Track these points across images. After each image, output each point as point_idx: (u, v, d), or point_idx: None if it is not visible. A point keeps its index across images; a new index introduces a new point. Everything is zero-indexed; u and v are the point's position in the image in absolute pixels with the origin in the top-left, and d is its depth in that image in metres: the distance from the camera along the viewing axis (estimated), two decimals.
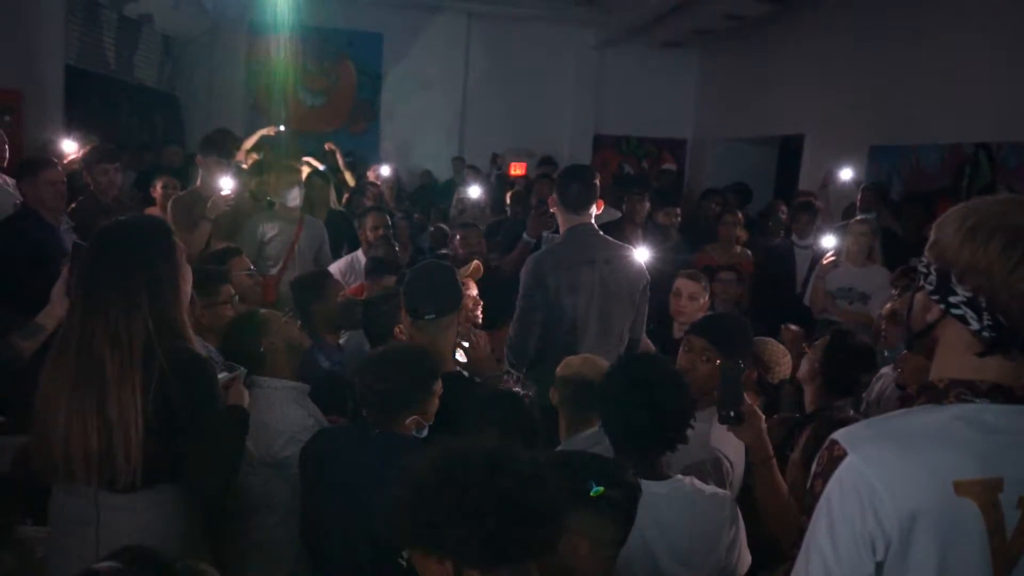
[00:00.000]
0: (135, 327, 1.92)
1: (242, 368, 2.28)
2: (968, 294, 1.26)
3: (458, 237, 4.96)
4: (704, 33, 10.01)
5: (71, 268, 2.18)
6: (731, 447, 2.40)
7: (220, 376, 2.15)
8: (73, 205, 4.51)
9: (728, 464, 2.39)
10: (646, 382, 2.00)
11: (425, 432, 2.21)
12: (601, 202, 3.35)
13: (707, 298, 3.94)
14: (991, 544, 1.24)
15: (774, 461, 2.06)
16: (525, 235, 4.76)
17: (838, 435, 1.28)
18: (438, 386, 2.25)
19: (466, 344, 2.83)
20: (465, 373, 2.72)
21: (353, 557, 2.07)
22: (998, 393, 1.27)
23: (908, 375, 2.94)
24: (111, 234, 2.04)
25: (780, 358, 3.18)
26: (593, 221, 3.31)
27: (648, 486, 1.85)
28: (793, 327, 4.46)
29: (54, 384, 1.95)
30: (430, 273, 2.70)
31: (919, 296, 1.37)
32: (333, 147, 7.59)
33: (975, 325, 1.26)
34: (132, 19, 8.76)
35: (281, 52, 10.08)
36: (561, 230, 3.35)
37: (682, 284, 3.90)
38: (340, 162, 6.79)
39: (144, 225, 2.12)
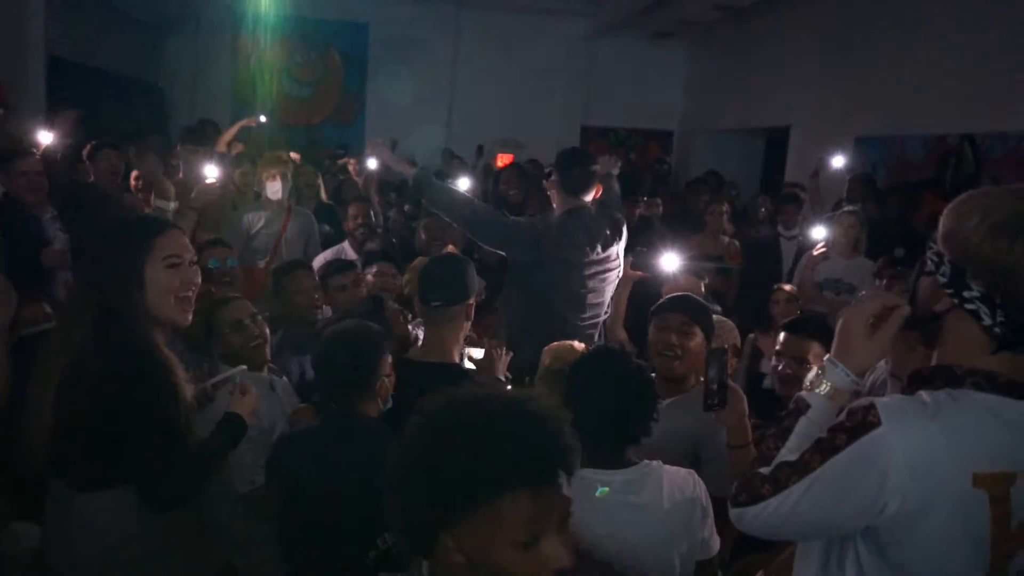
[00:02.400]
0: (86, 310, 1.92)
1: (237, 368, 2.21)
2: (983, 290, 1.26)
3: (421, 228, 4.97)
4: (692, 24, 10.01)
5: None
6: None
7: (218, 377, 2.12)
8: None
9: None
10: (611, 375, 2.01)
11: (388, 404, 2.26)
12: (600, 187, 3.42)
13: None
14: (993, 535, 1.26)
15: (752, 447, 2.06)
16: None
17: (879, 402, 1.28)
18: (385, 365, 2.25)
19: (477, 353, 2.78)
20: (467, 366, 2.71)
21: (335, 550, 2.06)
22: (1014, 388, 1.28)
23: (896, 364, 2.96)
24: (89, 216, 2.07)
25: (727, 331, 3.21)
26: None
27: (610, 475, 1.91)
28: (786, 286, 4.51)
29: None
30: (444, 263, 2.80)
31: (925, 282, 1.37)
32: (349, 162, 7.32)
33: (987, 321, 1.27)
34: (115, 8, 8.67)
35: (266, 42, 10.00)
36: (558, 211, 3.37)
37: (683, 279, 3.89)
38: (352, 170, 6.58)
39: (122, 221, 2.12)
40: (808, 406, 1.37)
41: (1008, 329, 1.26)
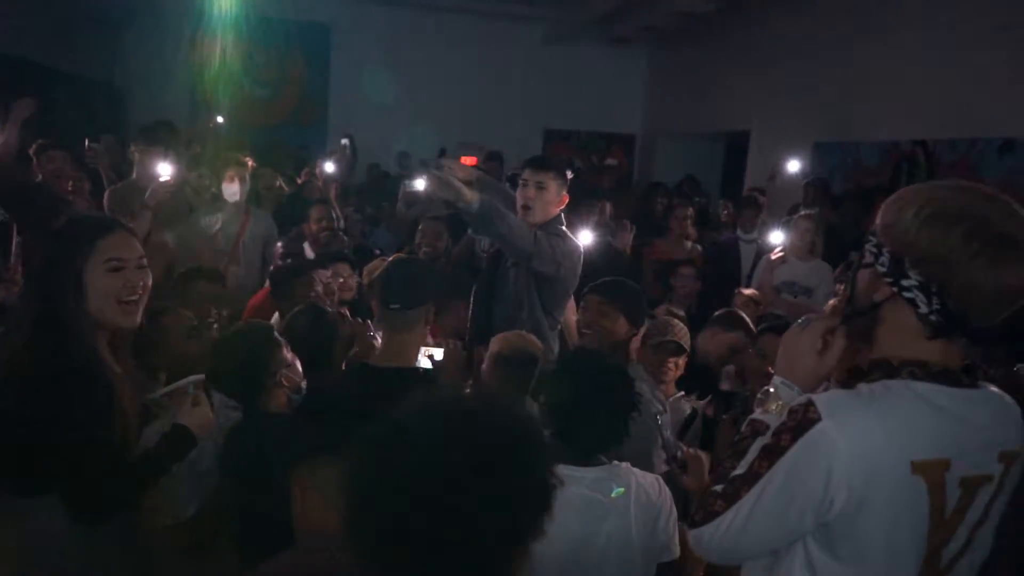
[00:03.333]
0: (27, 315, 1.88)
1: (192, 377, 2.14)
2: (921, 279, 1.30)
3: (420, 230, 4.91)
4: (653, 30, 10.10)
5: None
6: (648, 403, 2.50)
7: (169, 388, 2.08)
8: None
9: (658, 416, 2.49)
10: (591, 377, 2.03)
11: (300, 392, 2.30)
12: (566, 196, 3.41)
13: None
14: (931, 520, 1.30)
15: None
16: (471, 231, 4.79)
17: (816, 398, 1.31)
18: (278, 360, 2.29)
19: (438, 354, 2.74)
20: (424, 369, 2.69)
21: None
22: (947, 376, 1.32)
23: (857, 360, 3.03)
24: (35, 212, 2.02)
25: (684, 338, 3.26)
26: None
27: (583, 472, 1.93)
28: (747, 291, 4.57)
29: None
30: (405, 266, 2.71)
31: (864, 274, 1.40)
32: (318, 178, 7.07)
33: (924, 309, 1.30)
34: (69, 5, 8.49)
35: (226, 42, 9.87)
36: (549, 217, 3.38)
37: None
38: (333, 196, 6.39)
39: (65, 222, 2.02)
40: (765, 426, 1.39)
41: (942, 317, 1.30)
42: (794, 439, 1.29)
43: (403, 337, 2.51)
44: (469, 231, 4.82)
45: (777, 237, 5.12)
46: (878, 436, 1.26)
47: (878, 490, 1.26)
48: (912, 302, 1.31)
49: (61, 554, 1.88)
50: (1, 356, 1.87)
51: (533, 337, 2.92)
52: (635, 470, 2.07)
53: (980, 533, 1.37)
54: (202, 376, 2.22)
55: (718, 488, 1.38)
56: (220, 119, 9.52)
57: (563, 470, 1.86)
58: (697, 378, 3.45)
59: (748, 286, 5.23)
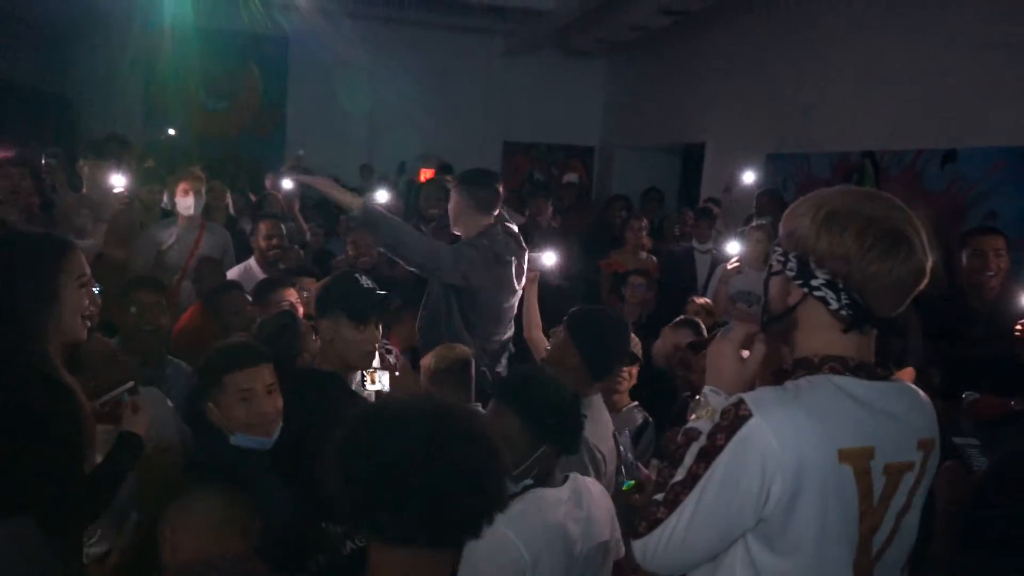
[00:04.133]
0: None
1: (125, 385, 2.14)
2: (827, 277, 1.39)
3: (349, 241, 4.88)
4: (610, 43, 10.22)
5: None
6: (602, 439, 2.49)
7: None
8: None
9: (601, 456, 2.47)
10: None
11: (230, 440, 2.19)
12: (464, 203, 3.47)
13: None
14: (860, 507, 1.37)
15: None
16: None
17: (746, 396, 1.38)
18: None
19: (383, 380, 2.72)
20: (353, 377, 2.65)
21: None
22: (863, 369, 1.41)
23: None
24: (10, 237, 1.98)
25: (635, 346, 3.29)
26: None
27: (555, 492, 1.94)
28: (699, 299, 4.64)
29: None
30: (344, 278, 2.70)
31: (775, 281, 1.49)
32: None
33: (834, 305, 1.39)
34: (16, 16, 8.32)
35: (180, 54, 9.74)
36: (469, 231, 3.39)
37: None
38: (296, 210, 6.25)
39: (30, 238, 2.01)
40: (699, 432, 1.44)
41: (851, 310, 1.39)
42: (728, 437, 1.35)
43: (336, 346, 2.46)
44: None
45: (732, 247, 5.20)
46: (806, 428, 1.33)
47: (809, 480, 1.33)
48: (823, 300, 1.40)
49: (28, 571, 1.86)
50: None
51: (461, 345, 2.99)
52: (584, 478, 2.11)
53: (906, 520, 1.44)
54: (132, 383, 2.21)
55: (659, 497, 1.42)
56: (172, 131, 9.41)
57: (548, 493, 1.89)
58: (650, 386, 3.49)
59: (703, 296, 5.31)
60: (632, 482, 1.49)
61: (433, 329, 3.39)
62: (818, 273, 1.39)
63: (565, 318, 2.67)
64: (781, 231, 1.48)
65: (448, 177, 6.07)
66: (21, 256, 1.92)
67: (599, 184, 11.77)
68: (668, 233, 6.97)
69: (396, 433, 1.19)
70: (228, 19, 9.64)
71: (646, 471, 2.18)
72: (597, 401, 2.61)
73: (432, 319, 3.43)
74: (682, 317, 3.88)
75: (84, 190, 4.52)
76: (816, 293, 1.40)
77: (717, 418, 1.40)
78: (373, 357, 2.35)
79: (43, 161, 5.03)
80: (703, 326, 3.80)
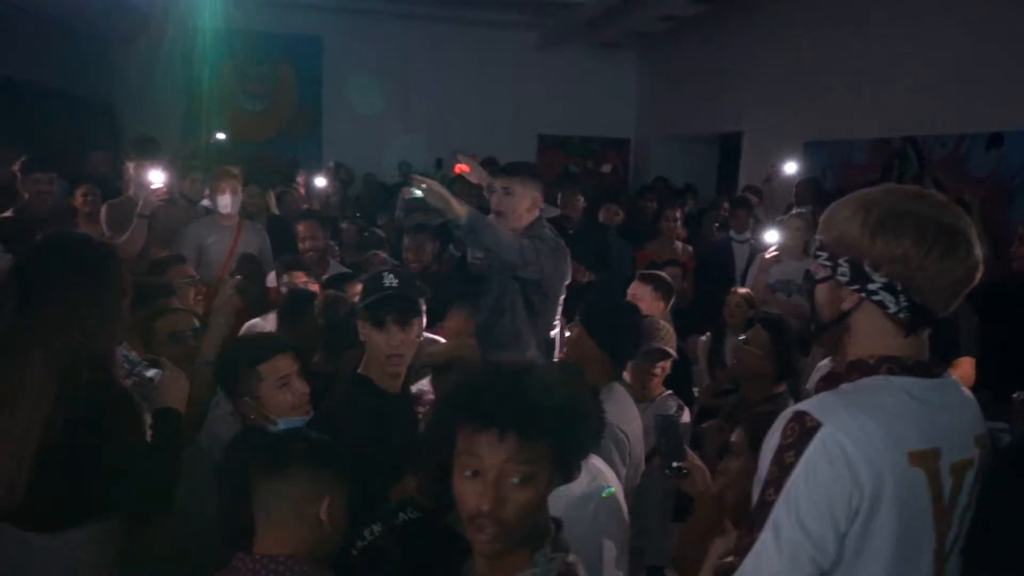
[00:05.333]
0: (71, 341, 1.85)
1: (152, 371, 2.15)
2: (885, 280, 1.33)
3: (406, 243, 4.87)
4: (642, 34, 10.14)
5: None
6: (625, 422, 2.48)
7: (149, 374, 2.09)
8: (5, 215, 4.41)
9: (624, 437, 2.46)
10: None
11: (277, 426, 2.22)
12: (539, 198, 3.48)
13: (657, 301, 3.91)
14: (934, 510, 1.31)
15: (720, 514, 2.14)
16: (452, 247, 4.84)
17: (806, 406, 1.31)
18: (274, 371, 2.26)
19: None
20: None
21: None
22: (920, 368, 1.36)
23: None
24: (67, 244, 1.99)
25: (672, 339, 3.27)
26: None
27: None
28: (740, 290, 4.60)
29: None
30: (370, 280, 2.72)
31: (823, 288, 1.43)
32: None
33: (893, 308, 1.33)
34: (60, 24, 8.52)
35: (218, 57, 9.90)
36: (524, 223, 3.41)
37: (633, 287, 3.94)
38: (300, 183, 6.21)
39: (102, 247, 2.07)
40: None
41: (911, 313, 1.34)
42: (799, 454, 1.27)
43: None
44: (451, 246, 4.83)
45: (771, 237, 5.14)
46: (872, 430, 1.27)
47: (886, 486, 1.26)
48: (881, 304, 1.34)
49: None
50: (56, 392, 1.84)
51: (471, 342, 3.01)
52: (597, 459, 2.11)
53: (966, 518, 1.39)
54: (145, 359, 2.22)
55: (730, 560, 1.35)
56: (221, 135, 9.57)
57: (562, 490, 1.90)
58: (680, 377, 3.48)
59: (742, 286, 5.26)
60: (612, 488, 1.44)
61: (495, 326, 3.38)
62: (875, 277, 1.34)
63: (578, 312, 2.69)
64: (824, 236, 1.42)
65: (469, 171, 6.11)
66: (111, 263, 1.99)
67: (635, 177, 11.70)
68: (706, 225, 6.90)
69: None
70: (262, 20, 9.77)
71: (694, 459, 2.14)
72: (618, 388, 2.65)
73: (494, 317, 3.40)
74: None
75: (131, 191, 4.61)
76: (874, 297, 1.35)
77: (778, 436, 1.32)
78: (401, 359, 2.32)
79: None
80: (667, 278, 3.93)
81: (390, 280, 2.32)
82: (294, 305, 3.29)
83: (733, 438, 2.13)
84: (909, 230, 1.31)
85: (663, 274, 4.17)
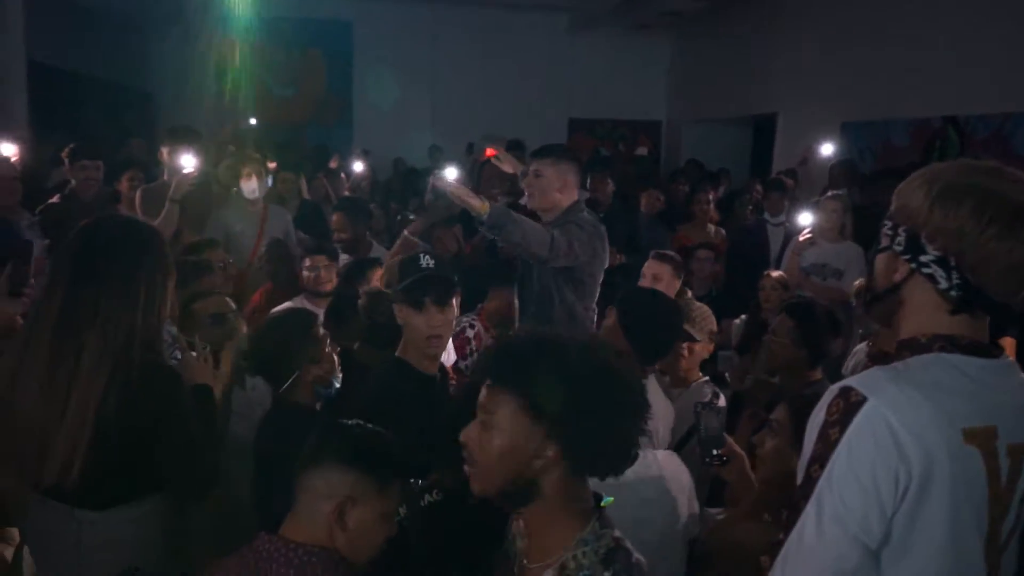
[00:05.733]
0: (123, 321, 1.87)
1: (176, 354, 2.20)
2: (938, 253, 1.29)
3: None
4: (673, 15, 9.99)
5: (15, 266, 2.11)
6: (656, 415, 2.43)
7: (178, 356, 2.11)
8: (52, 201, 4.51)
9: (655, 430, 2.42)
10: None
11: (332, 390, 2.41)
12: (570, 180, 3.41)
13: (674, 280, 3.88)
14: (990, 491, 1.26)
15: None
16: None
17: (852, 382, 1.27)
18: (311, 352, 2.41)
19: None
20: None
21: None
22: (975, 348, 1.30)
23: (883, 345, 2.96)
24: (116, 226, 2.01)
25: (702, 322, 3.17)
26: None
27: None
28: (774, 273, 4.53)
29: (22, 366, 1.87)
30: (406, 262, 2.68)
31: (882, 257, 1.40)
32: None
33: (943, 284, 1.29)
34: (97, 12, 8.63)
35: (249, 43, 9.97)
36: (559, 206, 3.37)
37: (647, 266, 3.89)
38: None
39: (148, 229, 2.09)
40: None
41: (962, 291, 1.28)
42: (843, 430, 1.23)
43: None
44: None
45: (806, 219, 5.04)
46: (924, 407, 1.22)
47: (939, 465, 1.21)
48: (932, 277, 1.30)
49: (146, 548, 1.98)
50: (109, 374, 1.87)
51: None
52: (657, 452, 2.07)
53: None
54: (179, 355, 2.25)
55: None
56: (253, 121, 9.65)
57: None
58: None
59: (777, 269, 5.17)
60: (611, 499, 1.40)
61: (545, 314, 3.33)
62: (928, 249, 1.29)
63: (616, 301, 2.62)
64: (893, 204, 1.38)
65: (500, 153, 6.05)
66: (162, 247, 2.02)
67: (667, 160, 11.57)
68: (739, 208, 6.79)
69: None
70: (292, 5, 9.80)
71: (731, 440, 2.11)
72: (651, 382, 2.57)
73: (541, 305, 3.37)
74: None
75: (165, 176, 4.66)
76: (924, 270, 1.30)
77: (821, 415, 1.28)
78: (440, 339, 2.32)
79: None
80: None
81: (427, 261, 2.31)
82: (340, 306, 3.30)
83: (774, 415, 2.10)
84: (969, 203, 1.25)
85: (672, 252, 4.10)
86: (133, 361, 1.86)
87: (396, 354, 2.33)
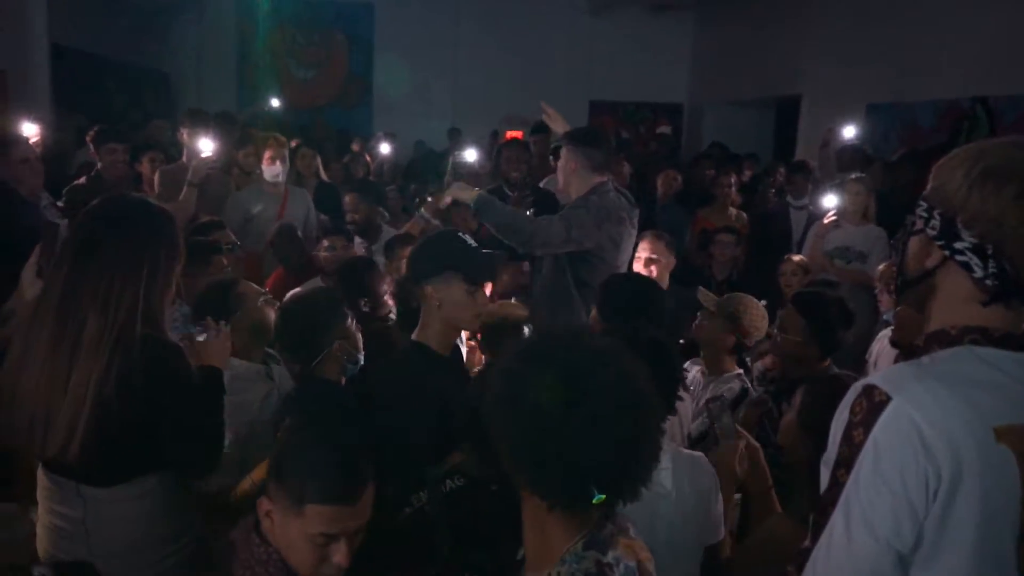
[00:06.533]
0: (125, 299, 1.86)
1: (189, 332, 2.17)
2: (974, 240, 1.21)
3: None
4: None
5: (43, 248, 2.12)
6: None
7: (200, 337, 2.10)
8: (79, 182, 4.54)
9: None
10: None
11: (357, 363, 2.41)
12: (573, 164, 3.44)
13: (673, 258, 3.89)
14: (1022, 491, 1.18)
15: (772, 491, 2.11)
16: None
17: (876, 379, 1.21)
18: (339, 329, 2.41)
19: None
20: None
21: None
22: (1011, 341, 1.22)
23: (901, 330, 2.89)
24: (123, 206, 2.00)
25: (759, 322, 3.08)
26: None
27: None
28: (796, 257, 4.46)
29: (28, 343, 1.88)
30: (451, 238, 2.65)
31: (915, 240, 1.32)
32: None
33: (979, 272, 1.21)
34: None
35: (271, 25, 9.97)
36: (580, 191, 3.36)
37: (640, 247, 3.83)
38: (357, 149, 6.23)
39: (157, 209, 2.07)
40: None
41: (999, 281, 1.20)
42: (867, 431, 1.17)
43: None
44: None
45: (829, 202, 4.96)
46: (951, 405, 1.15)
47: (968, 465, 1.14)
48: (966, 266, 1.22)
49: (152, 524, 2.00)
50: (110, 350, 1.86)
51: (519, 306, 3.07)
52: (683, 451, 2.04)
53: None
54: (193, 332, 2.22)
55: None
56: (275, 102, 9.66)
57: None
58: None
59: (799, 253, 5.10)
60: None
61: (549, 297, 3.39)
62: (964, 235, 1.21)
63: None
64: (930, 183, 1.29)
65: (532, 138, 6.01)
66: (168, 226, 2.00)
67: (688, 143, 11.45)
68: (761, 190, 6.71)
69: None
70: None
71: (745, 434, 2.09)
72: None
73: (547, 287, 3.42)
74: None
75: (184, 157, 4.67)
76: (959, 258, 1.22)
77: (845, 415, 1.23)
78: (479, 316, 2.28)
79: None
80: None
81: (471, 240, 2.21)
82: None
83: (787, 416, 2.07)
84: (1012, 187, 1.17)
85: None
86: (135, 339, 1.86)
87: (413, 338, 2.23)
